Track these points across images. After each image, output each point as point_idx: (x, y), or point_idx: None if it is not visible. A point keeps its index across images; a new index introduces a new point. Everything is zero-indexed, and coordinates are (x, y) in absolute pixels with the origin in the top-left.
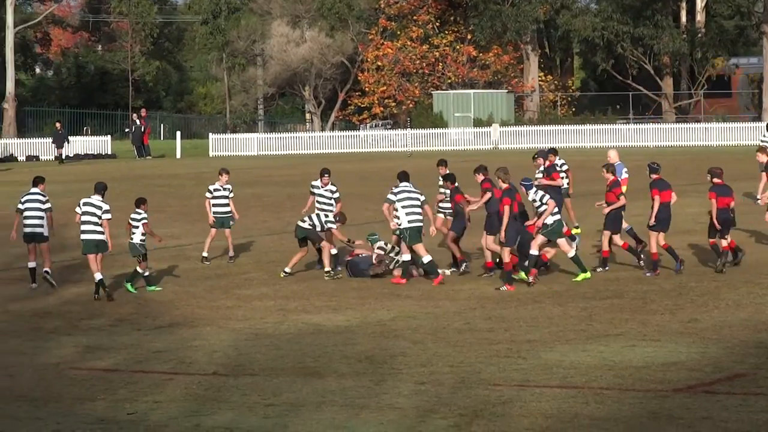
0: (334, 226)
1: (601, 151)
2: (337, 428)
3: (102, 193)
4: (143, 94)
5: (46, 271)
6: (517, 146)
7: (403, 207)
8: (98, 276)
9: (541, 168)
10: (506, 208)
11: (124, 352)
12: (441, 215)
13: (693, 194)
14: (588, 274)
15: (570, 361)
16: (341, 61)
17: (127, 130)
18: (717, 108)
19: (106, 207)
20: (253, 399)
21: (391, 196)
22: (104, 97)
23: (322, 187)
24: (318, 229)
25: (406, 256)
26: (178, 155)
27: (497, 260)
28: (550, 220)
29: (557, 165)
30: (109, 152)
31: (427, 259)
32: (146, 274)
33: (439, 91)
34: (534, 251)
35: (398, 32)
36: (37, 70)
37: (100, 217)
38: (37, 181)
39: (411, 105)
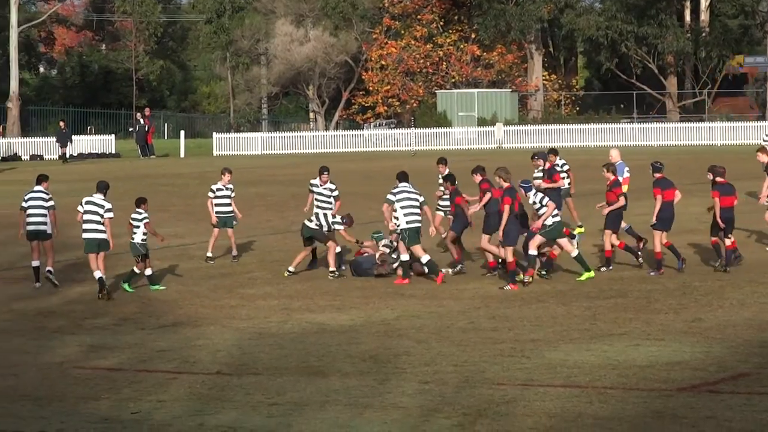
0: (341, 227)
1: (605, 151)
2: (340, 427)
3: (104, 192)
4: (147, 94)
5: (49, 271)
6: (521, 145)
7: (402, 208)
8: (98, 274)
9: (540, 168)
10: (507, 207)
11: (128, 351)
12: (440, 213)
13: (697, 193)
14: (591, 273)
15: (574, 361)
16: (345, 61)
17: (131, 129)
18: (724, 107)
19: (108, 206)
20: (257, 398)
21: (390, 197)
22: (108, 97)
23: (321, 185)
24: (325, 229)
25: (405, 256)
26: (182, 154)
27: (499, 261)
28: (549, 221)
29: (558, 165)
30: (113, 151)
31: (425, 259)
32: (149, 273)
33: (443, 91)
34: (532, 251)
35: (402, 31)
36: (41, 70)
37: (102, 216)
38: (41, 179)
39: (415, 104)
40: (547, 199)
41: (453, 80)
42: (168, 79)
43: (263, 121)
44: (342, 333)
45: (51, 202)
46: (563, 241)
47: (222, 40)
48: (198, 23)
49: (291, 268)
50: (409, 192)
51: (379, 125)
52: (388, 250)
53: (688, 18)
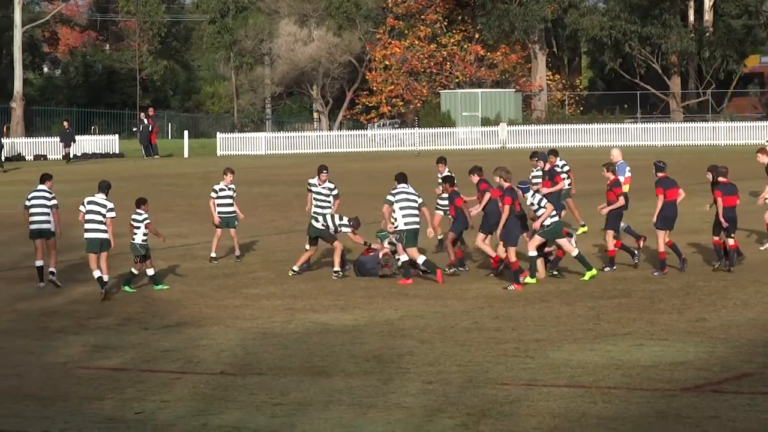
0: (348, 230)
1: (609, 151)
2: (344, 427)
3: (106, 192)
4: (151, 94)
5: (52, 272)
6: (524, 145)
7: (401, 209)
8: (96, 273)
9: (539, 168)
10: (507, 207)
11: (131, 351)
12: (440, 212)
13: (701, 193)
14: (594, 272)
15: (578, 361)
16: (349, 60)
17: (134, 129)
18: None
19: (110, 205)
20: (261, 398)
21: (390, 197)
22: (112, 97)
23: (319, 184)
24: (332, 230)
25: (404, 257)
26: (186, 154)
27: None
28: (548, 221)
29: (558, 167)
30: (117, 151)
31: (421, 259)
32: (151, 273)
33: (446, 91)
34: (532, 252)
35: (406, 31)
36: (45, 69)
37: (104, 216)
38: (45, 178)
39: (419, 104)
40: (545, 200)
41: (457, 80)
42: (172, 79)
43: (267, 121)
44: (346, 333)
45: (54, 201)
46: (563, 242)
47: (226, 40)
48: (202, 23)
49: (295, 268)
50: (408, 193)
51: (383, 125)
52: (392, 247)
53: (691, 18)
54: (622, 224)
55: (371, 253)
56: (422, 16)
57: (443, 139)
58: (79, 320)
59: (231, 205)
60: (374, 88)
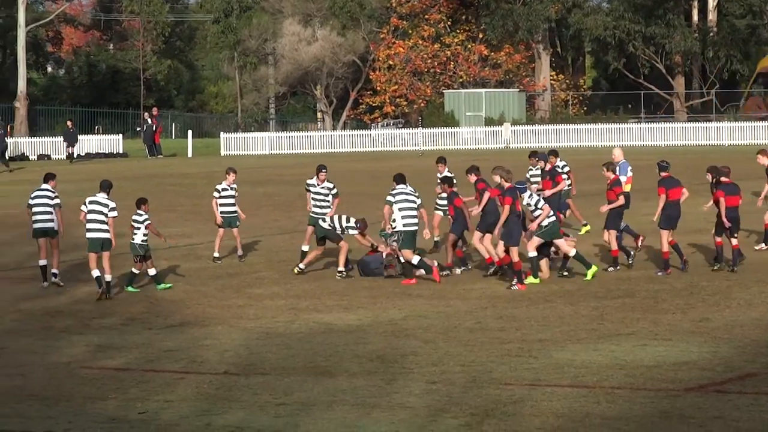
0: (355, 232)
1: (613, 151)
2: (348, 427)
3: (107, 191)
4: (155, 93)
5: (54, 274)
6: (528, 145)
7: (400, 210)
8: (95, 273)
9: (538, 168)
10: (507, 207)
11: (135, 351)
12: (440, 212)
13: (705, 193)
14: (595, 268)
15: (581, 361)
16: (353, 60)
17: (138, 129)
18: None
19: (112, 205)
20: (264, 398)
21: (390, 198)
22: (116, 96)
23: (318, 184)
24: (339, 231)
25: (416, 258)
26: (190, 154)
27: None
28: (545, 222)
29: (558, 167)
30: (121, 151)
31: (416, 260)
32: (153, 273)
33: (450, 90)
34: (532, 253)
35: (410, 31)
36: (49, 69)
37: (106, 215)
38: (48, 177)
39: (422, 104)
40: (542, 202)
41: (461, 80)
42: (175, 79)
43: (271, 121)
44: (349, 333)
45: (56, 200)
46: (560, 242)
47: (230, 40)
48: (205, 23)
49: (301, 265)
50: (407, 194)
51: (387, 125)
52: (396, 245)
53: (695, 18)
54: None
55: (375, 253)
56: (426, 16)
57: (447, 139)
58: (82, 320)
59: (233, 204)
60: (378, 88)
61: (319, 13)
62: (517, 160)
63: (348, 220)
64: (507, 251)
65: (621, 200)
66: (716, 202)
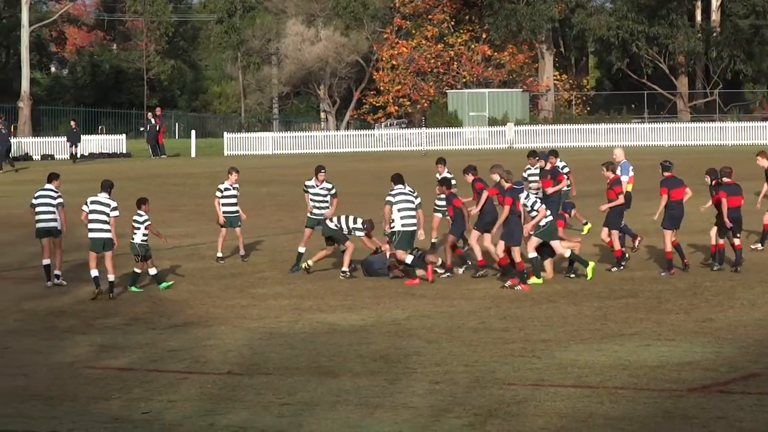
0: (361, 233)
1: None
2: (351, 427)
3: (109, 191)
4: (158, 93)
5: (57, 275)
6: (531, 145)
7: (399, 210)
8: (94, 273)
9: (537, 167)
10: (507, 208)
11: (138, 351)
12: (438, 214)
13: (706, 194)
14: (593, 263)
15: (584, 361)
16: (356, 60)
17: (142, 129)
18: None
19: (114, 204)
20: (268, 398)
21: (390, 198)
22: (119, 96)
23: (317, 185)
24: (345, 231)
25: (409, 258)
26: (193, 154)
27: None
28: (542, 221)
29: (558, 167)
30: (124, 151)
31: (409, 259)
32: (153, 272)
33: (454, 90)
34: (532, 254)
35: (413, 31)
36: (53, 69)
37: (108, 215)
38: (52, 177)
39: (426, 104)
40: (539, 203)
41: (464, 80)
42: (179, 79)
43: (274, 121)
44: (353, 333)
45: (59, 200)
46: (555, 244)
47: (233, 40)
48: (209, 23)
49: (310, 262)
50: (406, 195)
51: (390, 125)
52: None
53: (699, 18)
54: None
55: (378, 253)
56: (429, 16)
57: (450, 139)
58: (86, 320)
59: (235, 204)
60: (381, 88)
61: (323, 13)
62: (520, 160)
63: (355, 221)
64: (507, 251)
65: (621, 199)
66: (716, 204)
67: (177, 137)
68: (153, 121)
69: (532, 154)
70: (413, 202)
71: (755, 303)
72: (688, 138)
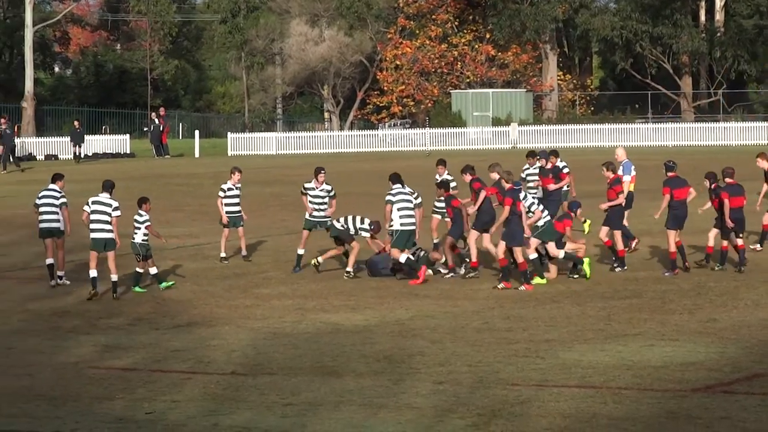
0: (367, 234)
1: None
2: (355, 427)
3: (110, 191)
4: (162, 93)
5: (59, 276)
6: (535, 145)
7: (399, 209)
8: (93, 273)
9: (537, 167)
10: (507, 208)
11: (142, 352)
12: (437, 216)
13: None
14: (588, 259)
15: (588, 361)
16: (360, 60)
17: (145, 129)
18: None
19: (115, 204)
20: (272, 398)
21: (390, 198)
22: (123, 96)
23: (317, 186)
24: (351, 232)
25: (408, 257)
26: (197, 154)
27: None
28: (540, 222)
29: (558, 167)
30: (128, 151)
31: (403, 258)
32: (154, 272)
33: (457, 91)
34: (532, 255)
35: (417, 31)
36: (56, 69)
37: (110, 215)
38: (56, 177)
39: (430, 104)
40: (535, 205)
41: (468, 80)
42: (183, 79)
43: (278, 121)
44: (356, 333)
45: (62, 200)
46: (550, 245)
47: (237, 40)
48: (213, 23)
49: (320, 259)
50: (405, 194)
51: (394, 125)
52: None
53: (702, 18)
54: None
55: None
56: (433, 16)
57: (454, 139)
58: (90, 320)
59: (238, 204)
60: (385, 88)
61: (327, 13)
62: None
63: (362, 222)
64: (510, 251)
65: (621, 199)
66: (716, 206)
67: (180, 137)
68: (156, 121)
69: (531, 154)
70: (412, 202)
71: (759, 303)
72: (692, 138)
